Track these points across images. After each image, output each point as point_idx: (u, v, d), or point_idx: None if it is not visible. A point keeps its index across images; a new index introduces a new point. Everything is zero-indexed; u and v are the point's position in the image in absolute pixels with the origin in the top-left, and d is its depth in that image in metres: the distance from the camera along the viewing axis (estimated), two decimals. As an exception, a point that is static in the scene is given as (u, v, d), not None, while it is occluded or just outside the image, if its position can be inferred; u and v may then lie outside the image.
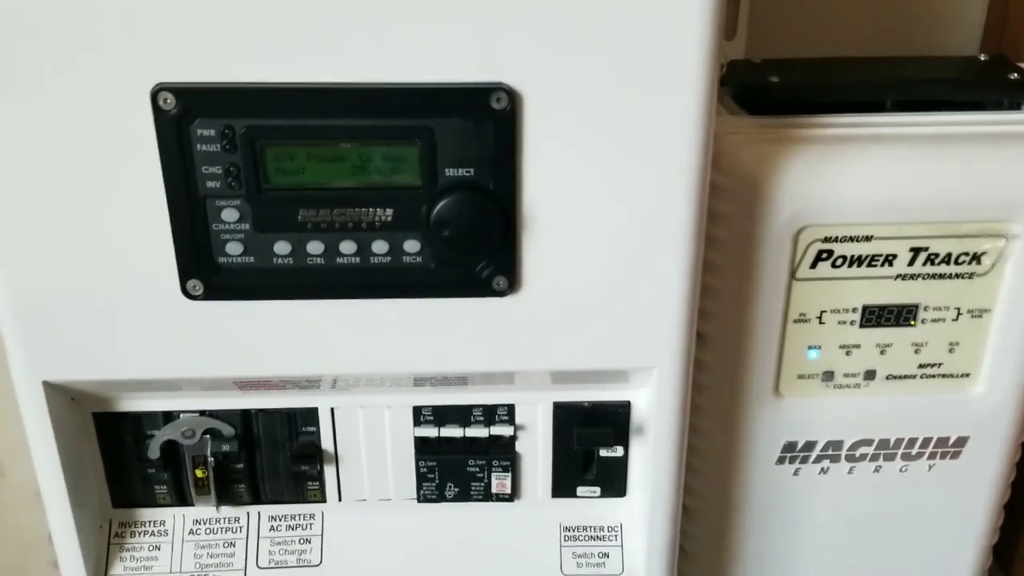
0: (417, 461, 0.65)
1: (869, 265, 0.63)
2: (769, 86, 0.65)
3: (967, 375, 0.67)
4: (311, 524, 0.68)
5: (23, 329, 0.56)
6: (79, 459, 0.63)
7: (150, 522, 0.67)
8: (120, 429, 0.64)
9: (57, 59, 0.49)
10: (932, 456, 0.70)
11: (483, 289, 0.56)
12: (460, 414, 0.65)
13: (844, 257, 0.63)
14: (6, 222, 0.53)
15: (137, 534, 0.67)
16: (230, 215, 0.54)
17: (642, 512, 0.66)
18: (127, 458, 0.65)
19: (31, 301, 0.55)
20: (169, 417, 0.64)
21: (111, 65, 0.49)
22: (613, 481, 0.67)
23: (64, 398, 0.60)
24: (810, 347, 0.66)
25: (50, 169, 0.52)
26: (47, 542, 0.67)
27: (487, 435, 0.65)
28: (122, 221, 0.53)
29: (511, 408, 0.65)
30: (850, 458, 0.69)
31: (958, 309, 0.65)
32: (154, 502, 0.66)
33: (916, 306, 0.65)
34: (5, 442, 0.83)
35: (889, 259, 0.63)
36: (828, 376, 0.67)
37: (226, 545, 0.67)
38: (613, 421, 0.64)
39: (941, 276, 0.64)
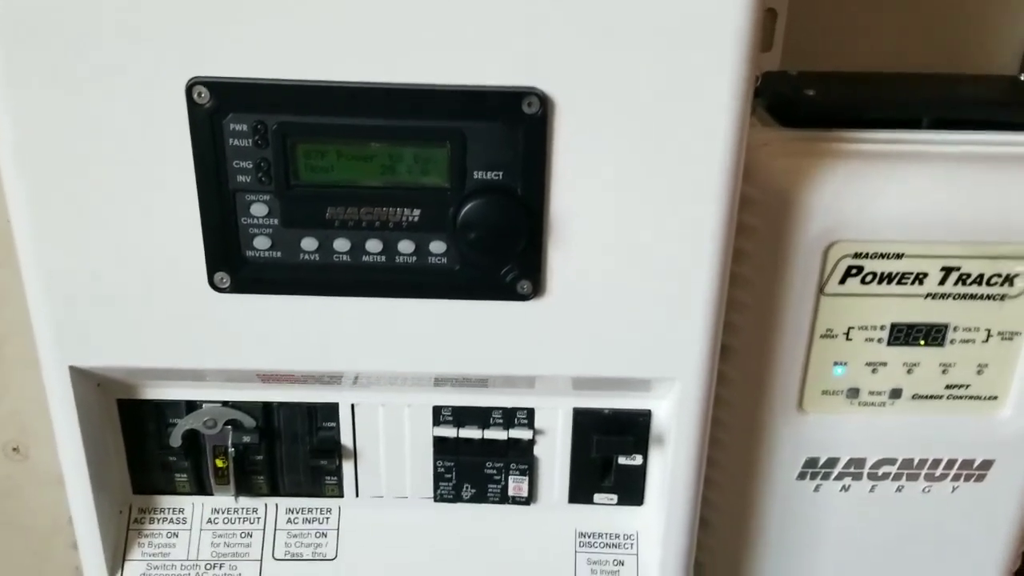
0: (435, 461, 0.65)
1: (899, 283, 0.62)
2: (804, 99, 0.64)
3: (995, 398, 0.66)
4: (328, 518, 0.68)
5: (52, 315, 0.57)
6: (102, 444, 0.64)
7: (169, 509, 0.68)
8: (143, 416, 0.64)
9: (94, 50, 0.50)
10: (956, 478, 0.69)
11: (507, 292, 0.56)
12: (479, 416, 0.65)
13: (874, 274, 0.62)
14: (39, 209, 0.54)
15: (156, 520, 0.67)
16: (259, 210, 0.54)
17: (659, 521, 0.66)
18: (149, 445, 0.65)
19: (61, 287, 0.56)
20: (192, 406, 0.64)
21: (148, 58, 0.50)
22: (631, 489, 0.67)
23: (90, 384, 0.61)
24: (836, 363, 0.65)
25: (84, 157, 0.52)
26: (68, 524, 0.68)
27: (506, 438, 0.65)
28: (153, 212, 0.54)
29: (531, 412, 0.65)
30: (872, 476, 0.68)
31: (988, 331, 0.64)
32: (174, 490, 0.67)
33: (945, 326, 0.64)
34: (29, 425, 0.84)
35: (920, 277, 0.62)
36: (853, 393, 0.66)
37: (243, 535, 0.67)
38: (633, 429, 0.64)
39: (972, 297, 0.63)
